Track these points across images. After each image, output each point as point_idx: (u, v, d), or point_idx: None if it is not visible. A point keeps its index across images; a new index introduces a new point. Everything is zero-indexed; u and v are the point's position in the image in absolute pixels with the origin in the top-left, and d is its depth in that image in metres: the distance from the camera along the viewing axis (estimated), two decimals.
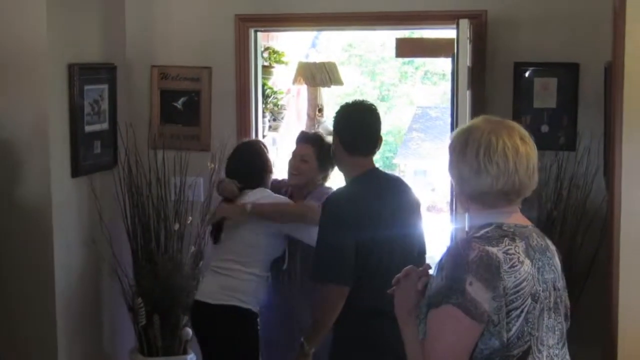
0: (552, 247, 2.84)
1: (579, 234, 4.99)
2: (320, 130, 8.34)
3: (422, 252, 4.62)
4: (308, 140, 4.91)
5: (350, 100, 4.65)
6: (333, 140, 4.45)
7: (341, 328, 4.25)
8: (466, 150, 2.70)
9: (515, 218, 2.78)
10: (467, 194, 2.78)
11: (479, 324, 2.56)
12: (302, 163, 4.82)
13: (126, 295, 5.34)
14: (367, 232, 4.25)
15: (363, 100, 4.61)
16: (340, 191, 4.46)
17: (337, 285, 4.15)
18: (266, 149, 5.09)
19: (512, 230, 2.70)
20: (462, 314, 2.56)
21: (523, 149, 2.68)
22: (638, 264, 3.77)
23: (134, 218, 5.37)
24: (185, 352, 5.36)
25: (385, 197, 4.41)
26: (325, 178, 4.95)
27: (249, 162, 4.94)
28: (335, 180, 5.28)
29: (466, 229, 2.96)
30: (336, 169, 4.85)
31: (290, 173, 4.91)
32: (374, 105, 4.50)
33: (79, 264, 5.20)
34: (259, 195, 4.76)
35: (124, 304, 5.40)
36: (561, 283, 2.80)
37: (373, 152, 4.38)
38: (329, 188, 4.87)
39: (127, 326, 5.54)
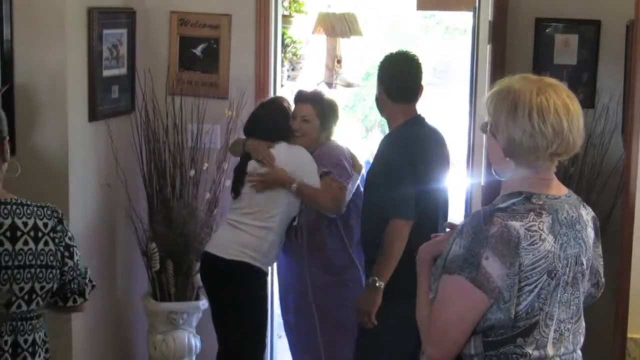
0: (586, 217, 2.82)
1: (595, 191, 5.01)
2: (339, 81, 8.44)
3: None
4: (307, 99, 4.90)
5: (393, 50, 4.73)
6: (377, 88, 4.55)
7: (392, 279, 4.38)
8: (517, 113, 2.66)
9: (549, 187, 2.76)
10: (515, 157, 2.73)
11: (489, 298, 2.57)
12: (303, 123, 4.83)
13: (140, 240, 5.39)
14: (423, 175, 4.44)
15: (406, 51, 4.69)
16: (393, 137, 4.56)
17: (404, 219, 4.32)
18: (290, 108, 5.05)
19: (541, 202, 2.68)
20: (473, 288, 2.58)
21: (573, 107, 2.67)
22: None
23: (150, 164, 5.41)
24: (197, 298, 5.41)
25: (435, 145, 4.63)
26: (328, 135, 4.95)
27: (275, 122, 4.92)
28: (340, 135, 5.32)
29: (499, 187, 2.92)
30: (342, 123, 5.05)
31: (294, 134, 4.89)
32: (416, 56, 4.62)
33: (95, 208, 5.22)
34: (298, 157, 4.78)
35: (137, 249, 5.45)
36: (589, 255, 2.80)
37: (416, 100, 4.53)
38: (335, 144, 4.95)
39: (140, 271, 5.61)
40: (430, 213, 4.44)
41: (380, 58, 4.79)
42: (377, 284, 4.31)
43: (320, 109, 4.86)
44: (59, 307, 3.22)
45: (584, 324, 2.84)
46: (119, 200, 5.37)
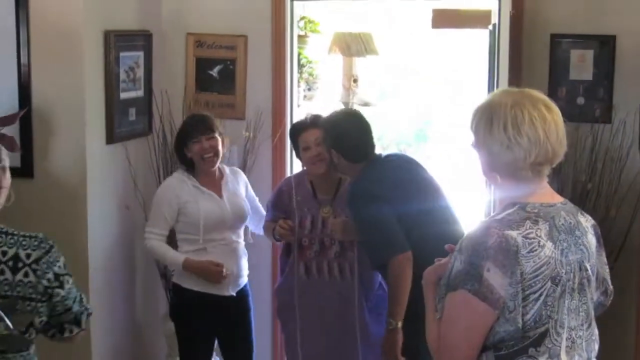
0: (585, 224, 2.84)
1: (613, 207, 5.00)
2: (355, 100, 8.41)
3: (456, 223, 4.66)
4: (312, 125, 4.72)
5: (336, 111, 4.91)
6: (334, 155, 4.51)
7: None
8: (492, 127, 2.70)
9: (543, 195, 2.77)
10: (498, 170, 2.76)
11: (494, 310, 2.59)
12: (319, 146, 4.63)
13: (158, 262, 5.37)
14: (403, 204, 4.36)
15: (348, 109, 5.09)
16: (357, 183, 4.49)
17: (400, 253, 4.26)
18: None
19: (536, 211, 2.70)
20: (477, 301, 2.60)
21: (549, 116, 2.68)
22: None
23: None
24: None
25: (409, 173, 4.59)
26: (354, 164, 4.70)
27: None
28: None
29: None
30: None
31: (311, 163, 4.73)
32: (358, 111, 4.80)
33: (113, 230, 5.23)
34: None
35: (156, 270, 5.47)
36: (592, 261, 2.80)
37: (373, 152, 4.57)
38: (362, 169, 4.69)
39: (159, 292, 5.62)
40: (430, 239, 4.28)
41: (331, 119, 4.81)
42: (393, 326, 4.32)
43: (331, 138, 4.60)
44: (57, 339, 3.16)
45: (596, 331, 2.83)
46: (138, 221, 5.36)
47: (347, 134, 4.49)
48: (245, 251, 5.04)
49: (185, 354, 5.07)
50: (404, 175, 4.55)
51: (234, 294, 4.84)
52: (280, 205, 4.82)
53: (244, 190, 5.11)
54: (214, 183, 4.91)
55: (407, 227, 4.36)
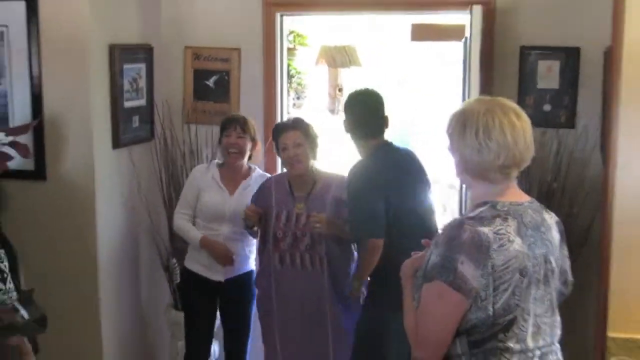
0: (550, 221, 2.85)
1: (576, 205, 5.01)
2: (340, 108, 8.38)
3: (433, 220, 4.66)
4: (291, 127, 4.72)
5: (355, 89, 4.73)
6: (345, 128, 4.55)
7: (377, 285, 4.46)
8: (465, 133, 2.70)
9: (511, 195, 2.78)
10: (469, 172, 2.77)
11: (467, 299, 2.59)
12: (297, 147, 4.63)
13: (162, 256, 5.43)
14: (392, 197, 4.35)
15: (365, 89, 4.67)
16: (362, 163, 4.48)
17: (376, 238, 4.29)
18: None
19: (505, 209, 2.71)
20: (451, 291, 2.59)
21: (519, 124, 2.68)
22: (630, 234, 3.70)
23: (169, 187, 5.45)
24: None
25: (407, 167, 4.57)
26: (314, 158, 4.74)
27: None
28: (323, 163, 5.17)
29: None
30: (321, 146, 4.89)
31: (290, 164, 4.70)
32: (375, 92, 4.60)
33: (120, 227, 5.25)
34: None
35: (159, 264, 5.49)
36: (556, 255, 2.81)
37: (382, 132, 4.49)
38: (336, 174, 4.76)
39: (162, 284, 5.62)
40: (411, 231, 4.31)
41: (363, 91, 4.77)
42: (355, 287, 4.47)
43: (306, 133, 4.70)
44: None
45: (559, 318, 2.84)
46: (142, 220, 5.39)
47: (350, 110, 4.53)
48: (247, 248, 5.07)
49: (188, 328, 5.10)
50: (402, 171, 4.53)
51: (222, 280, 4.88)
52: (261, 200, 4.79)
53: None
54: (235, 179, 4.94)
55: (391, 218, 4.36)
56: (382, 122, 4.50)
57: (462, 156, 2.76)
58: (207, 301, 5.01)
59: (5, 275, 3.20)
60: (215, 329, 5.24)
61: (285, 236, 4.65)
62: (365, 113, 4.50)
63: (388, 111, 4.56)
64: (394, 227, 4.36)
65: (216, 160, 5.03)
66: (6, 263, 3.23)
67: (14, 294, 3.21)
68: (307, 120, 4.82)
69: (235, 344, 5.14)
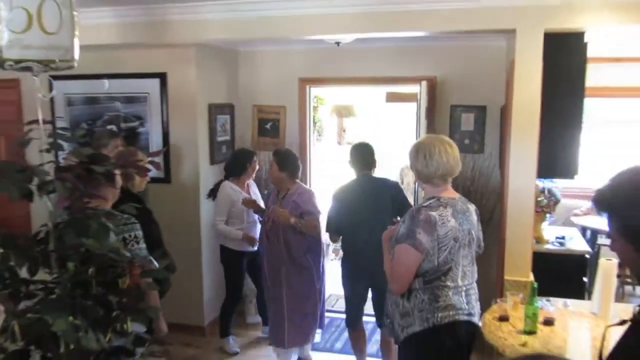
0: (471, 209, 2.87)
1: (484, 199, 5.13)
2: (345, 142, 8.52)
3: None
4: (274, 154, 4.59)
5: (357, 142, 4.58)
6: (349, 164, 4.38)
7: (344, 264, 4.42)
8: (418, 155, 2.77)
9: (448, 193, 2.80)
10: (422, 179, 2.80)
11: (422, 255, 2.63)
12: (270, 167, 4.57)
13: (222, 238, 5.10)
14: (349, 213, 4.23)
15: (362, 142, 4.50)
16: (341, 186, 4.38)
17: (332, 234, 4.34)
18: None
19: (445, 201, 2.72)
20: (413, 250, 2.63)
21: (450, 150, 2.75)
22: (516, 216, 3.78)
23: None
24: None
25: (369, 190, 4.28)
26: (290, 177, 4.51)
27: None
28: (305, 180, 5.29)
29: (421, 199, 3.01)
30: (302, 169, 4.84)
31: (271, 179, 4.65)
32: (367, 144, 4.44)
33: (212, 215, 5.10)
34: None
35: (217, 244, 5.21)
36: (475, 229, 2.83)
37: (368, 168, 4.34)
38: (302, 186, 4.61)
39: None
40: (359, 231, 4.18)
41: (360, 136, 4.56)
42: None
43: (279, 159, 4.49)
44: None
45: (476, 267, 2.89)
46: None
47: (351, 154, 4.38)
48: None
49: (229, 281, 5.08)
50: (364, 191, 4.27)
51: (251, 250, 4.97)
52: (267, 199, 4.75)
53: (259, 193, 5.19)
54: (245, 188, 4.99)
55: (348, 224, 4.23)
56: (368, 162, 4.34)
57: (416, 170, 2.79)
58: (242, 265, 5.04)
59: (140, 240, 2.97)
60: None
61: (267, 221, 4.53)
62: (359, 157, 4.35)
63: (377, 156, 4.43)
64: (346, 227, 4.26)
65: (227, 181, 4.95)
66: (141, 232, 3.00)
67: (146, 252, 2.98)
68: (285, 150, 4.67)
69: (258, 280, 5.14)
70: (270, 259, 4.63)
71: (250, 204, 4.79)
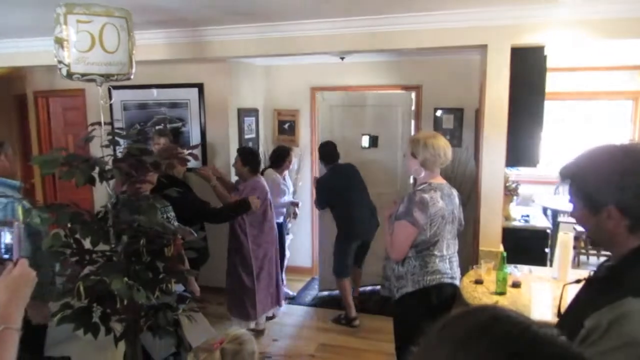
0: (454, 193, 2.86)
1: (463, 185, 4.99)
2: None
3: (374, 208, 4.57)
4: (238, 151, 4.40)
5: (322, 141, 4.66)
6: (319, 157, 4.48)
7: (339, 231, 4.54)
8: (427, 146, 2.71)
9: (438, 179, 2.77)
10: (427, 167, 2.72)
11: (418, 229, 2.63)
12: (235, 163, 4.37)
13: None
14: (336, 196, 4.38)
15: (327, 140, 4.62)
16: (322, 176, 4.58)
17: (322, 208, 4.58)
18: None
19: (435, 186, 2.70)
20: (410, 225, 2.62)
21: (445, 144, 2.74)
22: (489, 199, 3.70)
23: None
24: None
25: (347, 175, 4.47)
26: (251, 171, 4.27)
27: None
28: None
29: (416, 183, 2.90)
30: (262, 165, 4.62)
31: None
32: (331, 141, 4.55)
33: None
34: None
35: None
36: (457, 210, 2.83)
37: (336, 160, 4.49)
38: (259, 181, 4.32)
39: None
40: (349, 206, 4.35)
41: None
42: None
43: (242, 154, 4.30)
44: None
45: (457, 241, 2.86)
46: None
47: (321, 149, 4.55)
48: (287, 211, 4.99)
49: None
50: (342, 177, 4.44)
51: (277, 221, 4.67)
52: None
53: (291, 184, 5.14)
54: (282, 177, 4.96)
55: (332, 203, 4.44)
56: (335, 155, 4.49)
57: (424, 158, 2.70)
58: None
59: (172, 219, 2.83)
60: None
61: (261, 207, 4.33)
62: (328, 152, 4.50)
63: (340, 150, 4.56)
64: (339, 205, 4.41)
65: (271, 168, 4.84)
66: (173, 213, 2.87)
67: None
68: (249, 147, 4.49)
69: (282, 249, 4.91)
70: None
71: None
